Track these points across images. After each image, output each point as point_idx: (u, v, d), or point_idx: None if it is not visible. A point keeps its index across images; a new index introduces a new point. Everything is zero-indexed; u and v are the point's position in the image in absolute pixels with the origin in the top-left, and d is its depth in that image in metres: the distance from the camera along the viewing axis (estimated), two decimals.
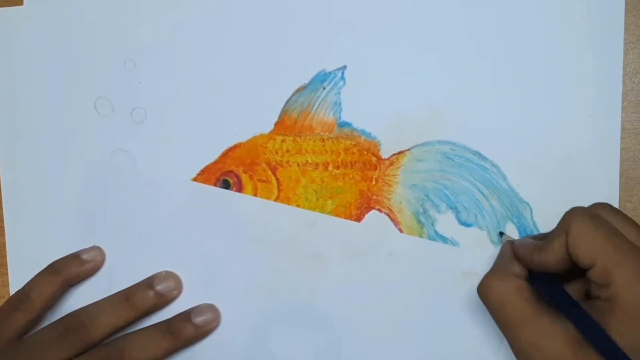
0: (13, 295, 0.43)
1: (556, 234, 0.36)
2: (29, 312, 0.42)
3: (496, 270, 0.39)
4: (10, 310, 0.42)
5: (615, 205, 0.42)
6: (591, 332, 0.34)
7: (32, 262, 0.46)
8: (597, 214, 0.36)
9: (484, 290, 0.37)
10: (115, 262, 0.45)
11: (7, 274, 0.46)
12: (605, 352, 0.33)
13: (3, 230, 0.47)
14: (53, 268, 0.44)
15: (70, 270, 0.44)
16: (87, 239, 0.46)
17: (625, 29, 0.42)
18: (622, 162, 0.42)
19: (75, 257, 0.45)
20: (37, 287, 0.43)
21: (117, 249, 0.45)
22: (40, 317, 0.43)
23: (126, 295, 0.43)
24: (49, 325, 0.42)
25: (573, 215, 0.36)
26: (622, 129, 0.42)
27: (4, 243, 0.46)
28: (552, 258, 0.36)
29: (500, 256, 0.40)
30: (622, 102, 0.42)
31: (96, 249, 0.45)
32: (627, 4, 0.42)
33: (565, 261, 0.36)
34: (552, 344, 0.34)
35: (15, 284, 0.46)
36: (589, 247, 0.34)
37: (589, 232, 0.35)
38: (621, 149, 0.42)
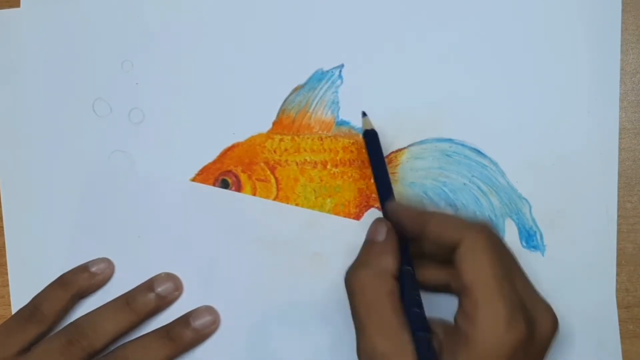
0: (23, 308, 0.43)
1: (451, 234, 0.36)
2: (42, 324, 0.42)
3: (369, 261, 0.38)
4: (22, 322, 0.42)
5: (614, 204, 0.42)
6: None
7: (32, 262, 0.46)
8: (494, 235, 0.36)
9: (352, 282, 0.37)
10: (115, 262, 0.45)
11: (6, 273, 0.46)
12: None
13: (2, 230, 0.47)
14: (63, 281, 0.44)
15: (80, 283, 0.44)
16: (86, 239, 0.46)
17: (625, 29, 0.42)
18: (622, 162, 0.42)
19: (84, 269, 0.45)
20: (48, 301, 0.43)
21: (116, 249, 0.45)
22: (51, 329, 0.43)
23: (127, 300, 0.43)
24: (51, 335, 0.42)
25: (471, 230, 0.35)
26: (622, 128, 0.42)
27: (4, 243, 0.46)
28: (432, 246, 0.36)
29: (371, 235, 0.39)
30: (622, 102, 0.42)
31: (105, 260, 0.45)
32: (626, 4, 0.42)
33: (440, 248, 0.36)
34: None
35: (15, 284, 0.46)
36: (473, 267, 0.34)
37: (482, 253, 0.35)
38: (621, 149, 0.42)
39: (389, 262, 0.37)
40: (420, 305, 0.37)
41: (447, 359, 0.34)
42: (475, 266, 0.34)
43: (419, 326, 0.35)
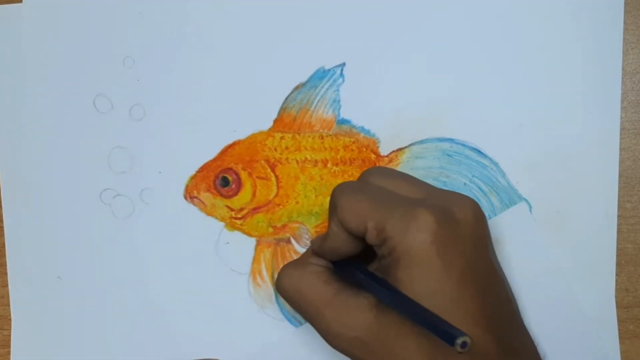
0: None
1: (330, 217, 0.37)
2: None
3: (293, 261, 0.40)
4: None
5: (615, 204, 0.42)
6: (381, 292, 0.34)
7: (32, 262, 0.46)
8: (360, 181, 0.37)
9: (281, 281, 0.38)
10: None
11: (6, 273, 0.46)
12: (398, 307, 0.33)
13: (2, 230, 0.46)
14: None
15: None
16: (86, 238, 0.46)
17: (625, 29, 0.42)
18: (622, 162, 0.42)
19: None
20: None
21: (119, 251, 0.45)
22: None
23: None
24: None
25: (336, 191, 0.37)
26: (622, 129, 0.42)
27: (4, 243, 0.46)
28: (336, 241, 0.37)
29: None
30: (622, 102, 0.42)
31: None
32: (626, 4, 0.42)
33: (352, 240, 0.36)
34: (356, 315, 0.35)
35: (15, 284, 0.46)
36: (356, 214, 0.35)
37: (353, 200, 0.35)
38: (621, 149, 0.42)
39: (311, 257, 0.38)
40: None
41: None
42: (355, 212, 0.35)
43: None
